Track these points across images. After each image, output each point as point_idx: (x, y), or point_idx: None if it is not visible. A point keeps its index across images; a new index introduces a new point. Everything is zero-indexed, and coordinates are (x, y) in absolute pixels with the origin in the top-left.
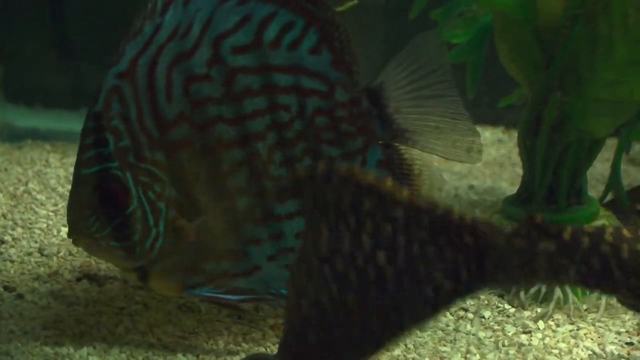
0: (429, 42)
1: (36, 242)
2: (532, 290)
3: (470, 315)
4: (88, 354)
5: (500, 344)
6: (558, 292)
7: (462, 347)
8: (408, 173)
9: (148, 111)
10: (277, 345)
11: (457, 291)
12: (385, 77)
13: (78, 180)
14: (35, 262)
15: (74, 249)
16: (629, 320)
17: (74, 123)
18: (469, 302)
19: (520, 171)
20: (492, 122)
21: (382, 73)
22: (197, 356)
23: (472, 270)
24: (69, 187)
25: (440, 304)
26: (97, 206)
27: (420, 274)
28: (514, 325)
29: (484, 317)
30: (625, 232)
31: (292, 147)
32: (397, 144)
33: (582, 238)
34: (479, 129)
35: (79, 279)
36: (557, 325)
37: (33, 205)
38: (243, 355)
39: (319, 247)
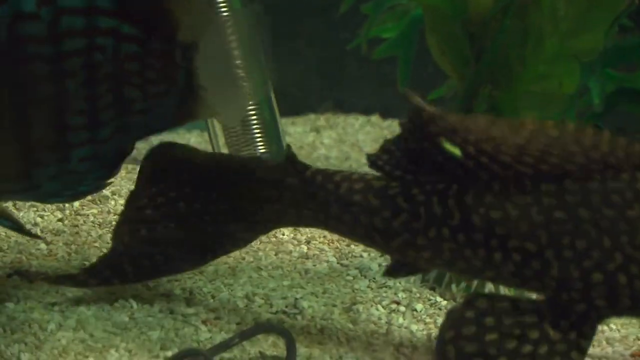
0: (245, 18)
1: None
2: (464, 283)
3: (402, 309)
4: (20, 351)
5: (432, 337)
6: (489, 285)
7: (394, 340)
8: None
9: None
10: (210, 338)
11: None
12: (202, 38)
13: None
14: None
15: (5, 246)
16: None
17: None
18: (401, 295)
19: None
20: None
21: (201, 33)
22: (130, 351)
23: (252, 202)
24: None
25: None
26: None
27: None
28: None
29: (416, 310)
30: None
31: (98, 86)
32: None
33: (316, 177)
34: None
35: (9, 275)
36: None
37: None
38: (176, 350)
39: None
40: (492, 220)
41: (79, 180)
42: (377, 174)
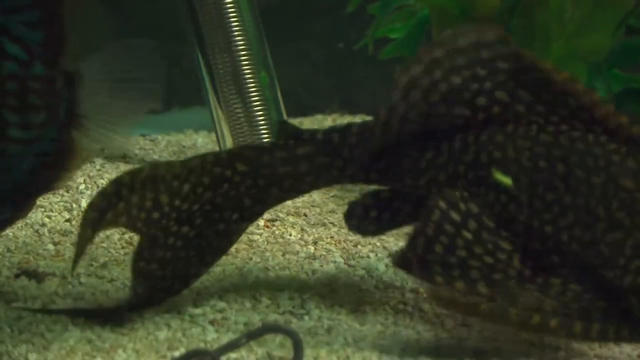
0: (144, 49)
1: None
2: None
3: (410, 309)
4: (27, 351)
5: (438, 337)
6: None
7: (401, 340)
8: (71, 155)
9: None
10: (217, 339)
11: (243, 217)
12: (88, 65)
13: None
14: None
15: (12, 246)
16: None
17: None
18: (408, 296)
19: None
20: None
21: (87, 60)
22: (137, 352)
23: (254, 195)
24: None
25: (233, 233)
26: None
27: (215, 215)
28: (453, 318)
29: (423, 310)
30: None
31: None
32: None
33: (332, 135)
34: None
35: (17, 276)
36: None
37: None
38: (183, 351)
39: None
40: (494, 159)
41: None
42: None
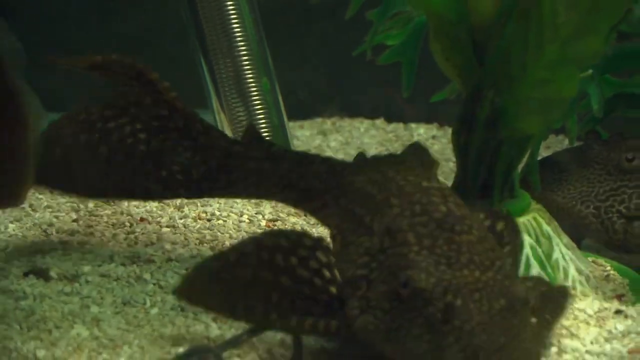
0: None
1: None
2: None
3: None
4: (35, 348)
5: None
6: None
7: None
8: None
9: None
10: (220, 335)
11: (186, 186)
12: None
13: None
14: None
15: (21, 244)
16: None
17: None
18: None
19: (454, 166)
20: (427, 119)
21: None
22: (142, 348)
23: (202, 171)
24: None
25: (170, 191)
26: None
27: (160, 161)
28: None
29: None
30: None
31: None
32: None
33: (286, 154)
34: (414, 125)
35: (25, 274)
36: None
37: None
38: (187, 347)
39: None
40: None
41: None
42: None
